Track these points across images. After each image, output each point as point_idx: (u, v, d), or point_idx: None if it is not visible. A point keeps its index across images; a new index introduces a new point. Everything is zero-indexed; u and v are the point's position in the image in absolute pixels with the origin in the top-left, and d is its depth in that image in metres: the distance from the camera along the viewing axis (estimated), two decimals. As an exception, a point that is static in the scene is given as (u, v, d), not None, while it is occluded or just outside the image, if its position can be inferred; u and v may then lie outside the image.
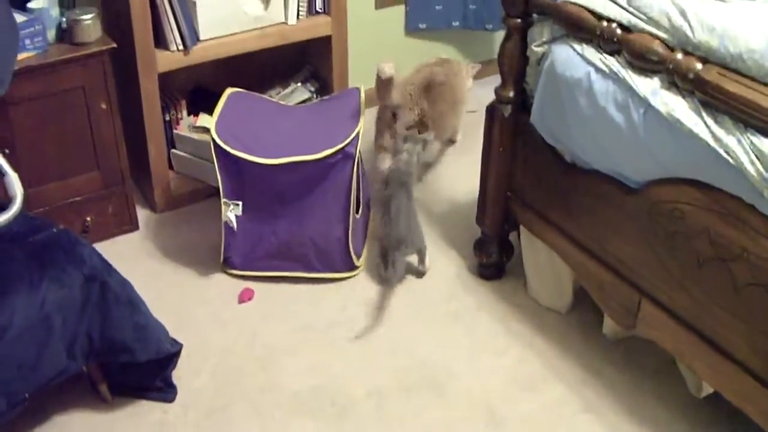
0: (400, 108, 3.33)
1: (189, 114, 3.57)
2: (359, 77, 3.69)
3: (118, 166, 3.23)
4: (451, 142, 3.85)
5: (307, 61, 3.73)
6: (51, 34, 3.04)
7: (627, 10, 2.35)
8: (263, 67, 3.56)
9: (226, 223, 2.94)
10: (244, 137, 2.91)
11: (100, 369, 2.58)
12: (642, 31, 2.30)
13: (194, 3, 3.20)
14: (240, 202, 2.92)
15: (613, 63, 2.35)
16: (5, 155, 2.50)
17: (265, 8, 3.36)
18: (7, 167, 2.36)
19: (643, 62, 2.27)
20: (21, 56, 2.89)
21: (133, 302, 2.48)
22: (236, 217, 2.93)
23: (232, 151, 2.84)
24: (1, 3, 2.57)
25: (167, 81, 3.28)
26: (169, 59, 3.22)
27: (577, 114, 2.46)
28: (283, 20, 3.40)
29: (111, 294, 2.41)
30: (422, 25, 4.10)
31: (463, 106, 3.81)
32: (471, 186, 3.30)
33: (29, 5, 3.01)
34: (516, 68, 2.73)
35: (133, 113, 3.33)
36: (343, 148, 2.85)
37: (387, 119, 3.33)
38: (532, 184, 2.79)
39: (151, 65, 3.18)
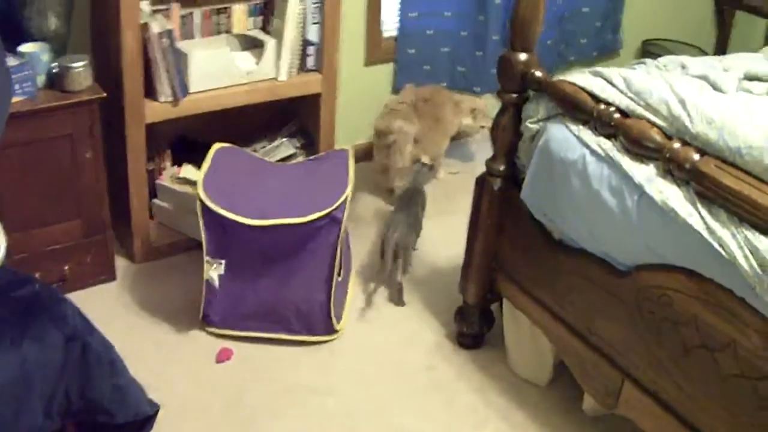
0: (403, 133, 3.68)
1: (173, 164, 3.53)
2: (345, 133, 3.70)
3: (100, 216, 3.20)
4: (430, 168, 3.84)
5: (293, 115, 3.71)
6: (40, 80, 3.01)
7: (626, 95, 2.36)
8: (249, 119, 3.55)
9: (207, 281, 2.90)
10: (230, 195, 2.89)
11: (77, 428, 2.52)
12: (640, 117, 2.32)
13: (186, 55, 3.18)
14: (223, 261, 2.89)
15: (608, 147, 2.35)
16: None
17: (257, 63, 3.34)
18: (-9, 217, 2.32)
19: (640, 149, 2.28)
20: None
21: (113, 363, 2.43)
22: (219, 276, 2.89)
23: (219, 210, 2.82)
24: None
25: (152, 130, 3.25)
26: (158, 110, 3.20)
27: (569, 194, 2.46)
28: (274, 76, 3.38)
29: (92, 354, 2.36)
30: (409, 84, 4.09)
31: (447, 132, 3.96)
32: (453, 250, 3.33)
33: (20, 49, 2.98)
34: (509, 142, 2.73)
35: (117, 161, 3.29)
36: (330, 213, 2.84)
37: (394, 144, 3.70)
38: (519, 259, 2.79)
39: (140, 115, 3.16)
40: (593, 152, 2.38)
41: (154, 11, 3.21)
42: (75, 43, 3.24)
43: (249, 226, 2.82)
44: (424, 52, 4.10)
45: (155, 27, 3.09)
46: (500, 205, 2.80)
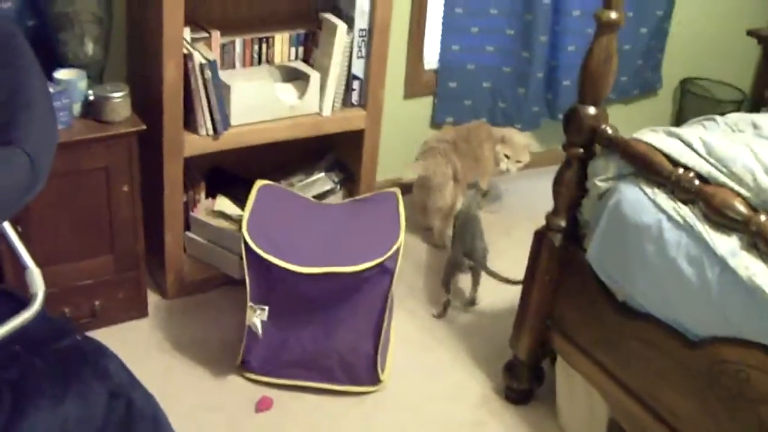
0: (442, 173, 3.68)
1: (207, 197, 3.42)
2: (382, 166, 3.59)
3: (134, 251, 3.08)
4: (484, 194, 3.79)
5: (330, 147, 3.60)
6: (76, 108, 2.89)
7: (707, 161, 2.25)
8: (285, 151, 3.41)
9: (249, 327, 2.78)
10: (276, 239, 2.77)
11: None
12: (722, 184, 2.20)
13: (229, 87, 3.07)
14: (266, 307, 2.77)
15: (687, 214, 2.24)
16: (17, 232, 2.33)
17: (301, 97, 3.23)
18: (28, 260, 2.21)
19: (722, 219, 2.17)
20: (45, 132, 2.75)
21: (157, 419, 2.31)
22: (262, 322, 2.77)
23: (265, 255, 2.70)
24: (38, 79, 2.32)
25: (186, 161, 3.13)
26: (197, 143, 3.08)
27: (642, 260, 2.35)
28: (318, 111, 3.26)
29: (136, 411, 2.24)
30: (449, 119, 3.99)
31: (487, 170, 3.90)
32: (500, 296, 3.26)
33: (56, 75, 2.86)
34: (572, 198, 2.62)
35: (151, 194, 3.17)
36: (382, 263, 2.72)
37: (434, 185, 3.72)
38: (577, 318, 2.67)
39: (178, 149, 3.04)
40: (670, 218, 2.27)
41: (195, 39, 3.09)
42: (110, 70, 3.12)
43: (296, 273, 2.70)
44: (465, 86, 3.99)
45: (198, 58, 2.97)
46: (560, 261, 2.68)
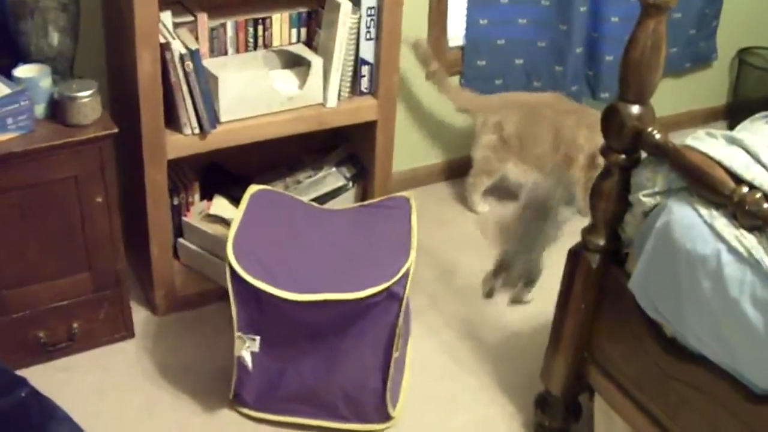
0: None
1: (202, 198, 3.04)
2: (401, 156, 3.21)
3: (114, 267, 2.71)
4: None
5: (342, 139, 3.20)
6: (40, 110, 2.52)
7: (779, 178, 1.81)
8: (291, 144, 2.99)
9: (239, 359, 2.41)
10: (268, 259, 2.39)
11: None
12: (797, 209, 1.77)
13: (216, 79, 2.67)
14: (257, 337, 2.40)
15: (753, 245, 1.81)
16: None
17: (301, 87, 2.82)
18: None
19: (799, 254, 1.74)
20: (1, 138, 2.38)
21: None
22: (252, 353, 2.40)
23: (253, 281, 2.32)
24: None
25: (177, 159, 2.75)
26: (181, 144, 2.70)
27: (696, 296, 1.93)
28: (321, 101, 2.86)
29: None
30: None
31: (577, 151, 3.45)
32: (530, 312, 2.95)
33: (15, 73, 2.49)
34: (613, 212, 2.19)
35: (135, 202, 2.81)
36: (388, 288, 2.32)
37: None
38: (618, 352, 2.26)
39: (160, 152, 2.66)
40: (732, 249, 1.84)
41: (178, 24, 2.69)
42: (87, 64, 2.74)
43: (290, 301, 2.31)
44: (495, 64, 3.54)
45: (178, 47, 2.57)
46: (598, 285, 2.27)
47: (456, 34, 3.55)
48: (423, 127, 3.56)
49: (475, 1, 3.43)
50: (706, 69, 4.14)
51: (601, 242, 2.23)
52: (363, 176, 3.16)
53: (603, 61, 3.63)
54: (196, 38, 2.75)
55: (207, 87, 2.66)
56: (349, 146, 3.22)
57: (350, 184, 3.16)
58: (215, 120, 2.71)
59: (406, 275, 2.36)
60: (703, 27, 3.94)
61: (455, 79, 3.56)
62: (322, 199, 3.10)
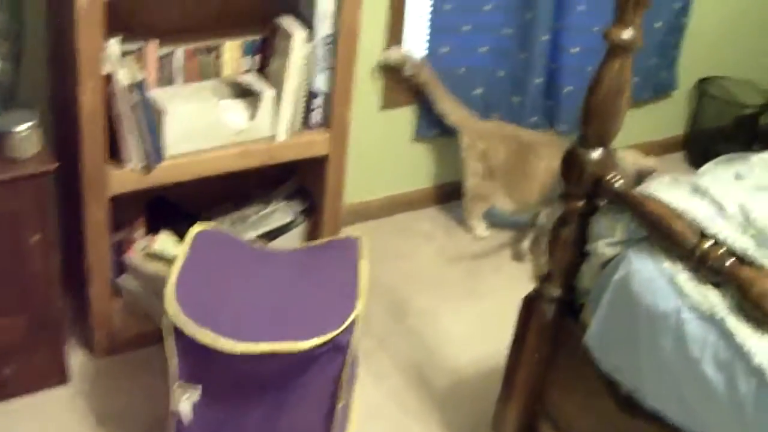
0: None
1: (147, 232, 2.91)
2: (354, 189, 3.11)
3: (50, 309, 2.58)
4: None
5: (292, 171, 3.09)
6: (-26, 142, 2.38)
7: (743, 232, 1.74)
8: (239, 177, 2.87)
9: (176, 412, 2.29)
10: (209, 307, 2.27)
11: None
12: (763, 267, 1.69)
13: (162, 111, 2.55)
14: (198, 387, 2.27)
15: (717, 304, 1.73)
16: None
17: (251, 119, 2.71)
18: None
19: (762, 315, 1.66)
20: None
21: None
22: (192, 404, 2.28)
23: (194, 333, 2.20)
24: None
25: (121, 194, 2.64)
26: (125, 180, 2.58)
27: (655, 354, 1.84)
28: (272, 134, 2.75)
29: None
30: (436, 130, 3.46)
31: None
32: (480, 349, 2.86)
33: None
34: (570, 261, 2.11)
35: (74, 239, 2.68)
36: (333, 338, 2.21)
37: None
38: (572, 408, 2.18)
39: (101, 187, 2.54)
40: (693, 307, 1.76)
41: (125, 52, 2.57)
42: (31, 92, 2.64)
43: (232, 352, 2.19)
44: (454, 93, 3.43)
45: (123, 77, 2.46)
46: (552, 336, 2.18)
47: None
48: (374, 158, 3.46)
49: (438, 28, 3.33)
50: (666, 99, 4.08)
51: (557, 292, 2.15)
52: (312, 211, 3.06)
53: (562, 92, 3.55)
54: (144, 67, 2.63)
55: (153, 119, 2.54)
56: (298, 179, 3.12)
57: (299, 219, 3.06)
58: (161, 154, 2.60)
59: (352, 325, 2.25)
60: (664, 56, 3.89)
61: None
62: (270, 235, 3.00)
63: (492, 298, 3.14)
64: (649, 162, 3.32)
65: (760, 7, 4.12)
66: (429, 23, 3.36)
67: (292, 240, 3.02)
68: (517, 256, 3.25)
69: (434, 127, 3.50)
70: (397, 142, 3.52)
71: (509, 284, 3.20)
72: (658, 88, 3.99)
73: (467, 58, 3.44)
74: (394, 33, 3.32)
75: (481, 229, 3.54)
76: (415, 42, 3.42)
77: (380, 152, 3.48)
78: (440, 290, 3.21)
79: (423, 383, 2.83)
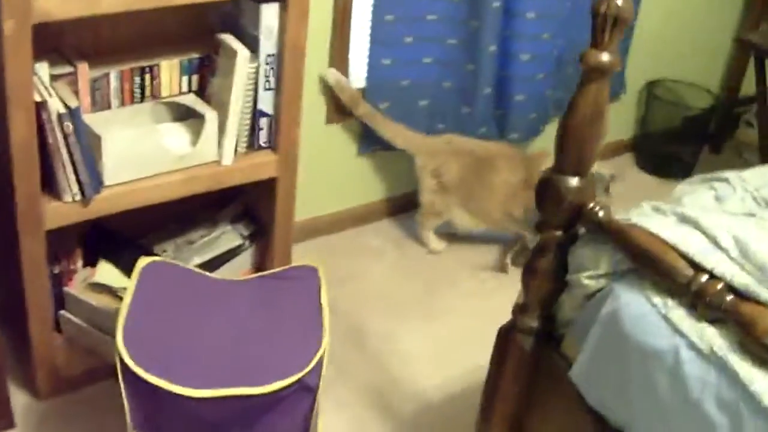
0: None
1: (86, 264, 2.74)
2: (302, 205, 2.97)
3: (-14, 354, 2.39)
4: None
5: (238, 191, 2.93)
6: None
7: (741, 266, 1.64)
8: (183, 200, 2.70)
9: (133, 460, 2.14)
10: (162, 348, 2.13)
11: None
12: (763, 302, 1.59)
13: (99, 138, 2.39)
14: (154, 436, 2.12)
15: (716, 341, 1.63)
16: None
17: (194, 143, 2.56)
18: None
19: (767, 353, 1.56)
20: None
21: None
22: (149, 455, 2.13)
23: (147, 377, 2.04)
24: None
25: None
26: (62, 212, 2.41)
27: (649, 393, 1.74)
28: (216, 158, 2.60)
29: None
30: (377, 146, 3.35)
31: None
32: (443, 372, 2.74)
33: None
34: (548, 292, 2.00)
35: (10, 274, 2.50)
36: (300, 379, 2.07)
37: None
38: (556, 443, 2.06)
39: (36, 221, 2.36)
40: (692, 346, 1.66)
41: (55, 76, 2.39)
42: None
43: (190, 398, 2.04)
44: (398, 106, 3.32)
45: (55, 105, 2.28)
46: (531, 369, 2.06)
47: (358, 75, 3.31)
48: (321, 173, 3.32)
49: (379, 40, 3.20)
50: (614, 103, 4.01)
51: (535, 324, 2.04)
52: (261, 234, 2.91)
53: (512, 100, 3.45)
54: (76, 92, 2.46)
55: (89, 148, 2.37)
56: (244, 200, 2.97)
57: (247, 243, 2.91)
58: (99, 184, 2.44)
59: (319, 364, 2.12)
60: (612, 61, 3.80)
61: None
62: (217, 261, 2.84)
63: (451, 316, 3.04)
64: (603, 169, 3.25)
65: (706, 10, 4.09)
66: (370, 35, 3.23)
67: (241, 265, 2.86)
68: (502, 269, 3.24)
69: (375, 143, 3.37)
70: (344, 156, 3.39)
71: (467, 300, 3.10)
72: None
73: (411, 71, 3.31)
74: (339, 46, 3.19)
75: (435, 243, 3.43)
76: (360, 55, 3.29)
77: (327, 167, 3.35)
78: (397, 310, 3.09)
79: (387, 410, 2.71)
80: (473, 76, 3.35)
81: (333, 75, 3.15)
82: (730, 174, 2.04)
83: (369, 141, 3.39)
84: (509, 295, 2.90)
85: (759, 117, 3.90)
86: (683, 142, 4.06)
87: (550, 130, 3.47)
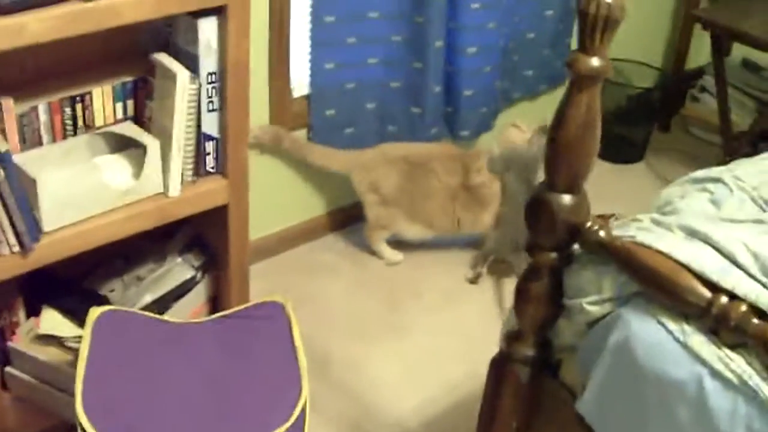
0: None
1: (29, 315, 2.53)
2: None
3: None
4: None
5: (183, 220, 2.73)
6: None
7: (764, 284, 1.50)
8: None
9: None
10: (126, 415, 1.94)
11: None
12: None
13: (34, 181, 2.18)
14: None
15: (744, 369, 1.50)
16: None
17: (137, 176, 2.37)
18: None
19: (802, 377, 1.43)
20: None
21: None
22: None
23: (113, 447, 1.85)
24: None
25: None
26: (0, 266, 2.19)
27: (669, 426, 1.61)
28: (162, 190, 2.41)
29: None
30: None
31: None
32: (418, 396, 2.60)
33: None
34: (543, 318, 1.85)
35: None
36: (283, 432, 1.91)
37: None
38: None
39: (-27, 280, 2.15)
40: (717, 374, 1.52)
41: (-26, 115, 2.19)
42: None
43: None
44: (344, 112, 3.16)
45: (-18, 150, 2.08)
46: (529, 401, 1.92)
47: (300, 82, 3.14)
48: (265, 190, 3.14)
49: (320, 43, 3.03)
50: (561, 88, 3.88)
51: (530, 352, 1.89)
52: (213, 263, 2.72)
53: (461, 96, 3.30)
54: (2, 130, 2.25)
55: (23, 193, 2.17)
56: (193, 227, 2.77)
57: (199, 274, 2.72)
58: (38, 231, 2.23)
59: (302, 414, 1.95)
60: (557, 45, 3.69)
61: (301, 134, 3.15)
62: (169, 297, 2.65)
63: (419, 332, 2.91)
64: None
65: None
66: (310, 39, 3.06)
67: (195, 300, 2.68)
68: (474, 280, 3.16)
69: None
70: (286, 171, 3.21)
71: (433, 314, 2.96)
72: (553, 78, 3.79)
73: (356, 72, 3.16)
74: (278, 53, 3.01)
75: (391, 254, 3.28)
76: (301, 61, 3.11)
77: (272, 181, 3.17)
78: (362, 331, 2.93)
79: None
80: (421, 74, 3.20)
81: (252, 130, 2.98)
82: (722, 172, 1.91)
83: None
84: (476, 304, 2.80)
85: (717, 95, 3.80)
86: (632, 123, 3.96)
87: (499, 125, 3.37)
